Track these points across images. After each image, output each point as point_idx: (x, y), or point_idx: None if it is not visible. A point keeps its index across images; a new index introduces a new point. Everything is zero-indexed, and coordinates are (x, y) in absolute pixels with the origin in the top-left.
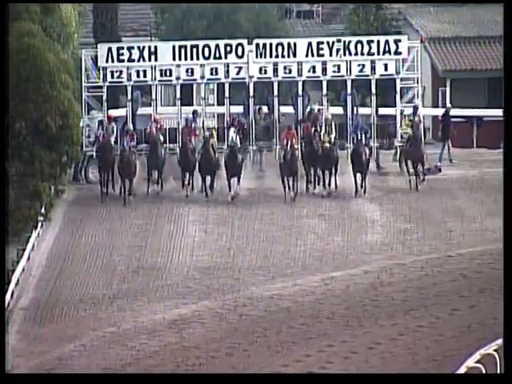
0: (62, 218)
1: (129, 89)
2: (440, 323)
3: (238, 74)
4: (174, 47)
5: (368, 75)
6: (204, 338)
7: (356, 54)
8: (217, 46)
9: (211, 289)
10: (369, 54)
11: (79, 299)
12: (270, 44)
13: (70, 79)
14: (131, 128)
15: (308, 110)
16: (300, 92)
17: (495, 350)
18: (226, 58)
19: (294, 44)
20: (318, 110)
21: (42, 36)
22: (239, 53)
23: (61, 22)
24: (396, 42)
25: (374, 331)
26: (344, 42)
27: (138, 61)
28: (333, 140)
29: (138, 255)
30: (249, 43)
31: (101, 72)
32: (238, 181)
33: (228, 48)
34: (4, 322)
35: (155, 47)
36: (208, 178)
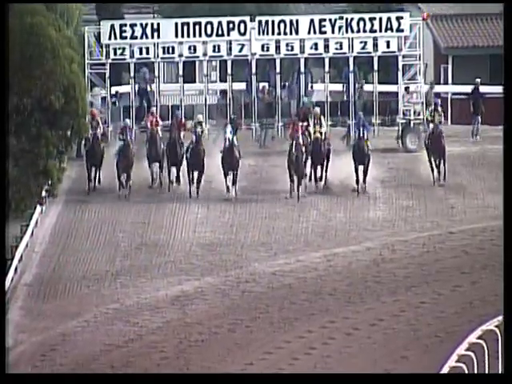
0: (65, 194)
1: (131, 66)
2: (442, 299)
3: (240, 51)
4: (176, 24)
5: (370, 52)
6: (206, 314)
7: (358, 31)
8: (219, 23)
9: (214, 265)
10: (371, 31)
11: (82, 276)
12: (273, 21)
13: (74, 53)
14: (128, 123)
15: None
16: (302, 69)
17: (497, 326)
18: (228, 35)
19: (297, 21)
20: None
21: (44, 13)
22: (242, 30)
23: None
24: (398, 19)
25: (376, 307)
26: (346, 19)
27: (141, 38)
28: (323, 134)
29: (140, 232)
30: (251, 20)
31: (103, 49)
32: (235, 181)
33: (230, 25)
34: (4, 322)
35: (158, 24)
36: (195, 174)
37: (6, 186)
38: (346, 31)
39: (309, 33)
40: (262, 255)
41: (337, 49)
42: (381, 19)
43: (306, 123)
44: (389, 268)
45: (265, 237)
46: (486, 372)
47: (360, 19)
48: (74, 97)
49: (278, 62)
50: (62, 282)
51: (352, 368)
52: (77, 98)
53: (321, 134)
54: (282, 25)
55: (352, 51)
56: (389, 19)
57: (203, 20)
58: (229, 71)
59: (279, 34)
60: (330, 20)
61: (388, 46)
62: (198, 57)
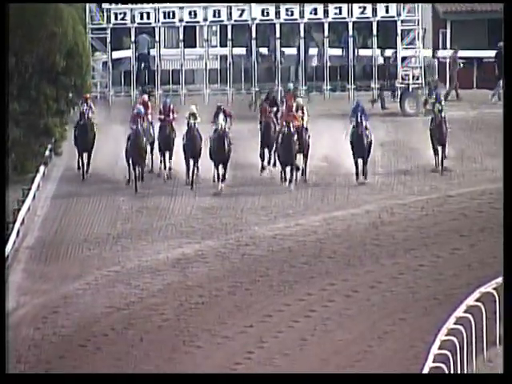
0: (67, 157)
1: (132, 31)
2: (440, 262)
3: (240, 16)
4: None
5: (369, 17)
6: (207, 276)
7: None
8: None
9: (214, 228)
10: None
11: (84, 239)
12: None
13: (76, 14)
14: (141, 110)
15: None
16: (302, 34)
17: (495, 289)
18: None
19: None
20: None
21: None
22: None
23: None
24: None
25: (375, 270)
26: None
27: (142, 3)
28: (305, 124)
29: (141, 195)
30: None
31: (104, 14)
32: (225, 171)
33: None
34: (4, 322)
35: None
36: (191, 163)
37: (5, 150)
38: None
39: None
40: (262, 219)
41: (336, 14)
42: None
43: (275, 108)
44: (388, 231)
45: (265, 201)
46: (484, 333)
47: None
48: (77, 55)
49: (277, 27)
50: (64, 244)
51: (351, 330)
52: (80, 55)
53: (302, 120)
54: None
55: (351, 16)
56: None
57: None
58: (229, 36)
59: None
60: None
61: (387, 11)
62: (198, 22)
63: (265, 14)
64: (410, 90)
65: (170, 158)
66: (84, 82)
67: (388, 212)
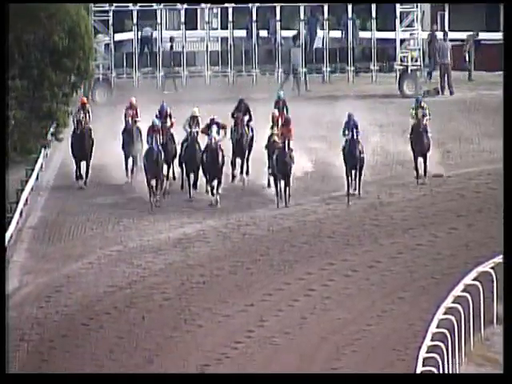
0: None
1: (134, 13)
2: (438, 242)
3: None
4: None
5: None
6: (208, 256)
7: None
8: None
9: (215, 209)
10: None
11: (86, 218)
12: None
13: None
14: (156, 123)
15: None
16: (302, 17)
17: (492, 268)
18: None
19: None
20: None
21: None
22: None
23: None
24: None
25: (374, 250)
26: None
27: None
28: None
29: (143, 175)
30: None
31: None
32: (218, 184)
33: None
34: (4, 322)
35: None
36: (192, 176)
37: (6, 132)
38: None
39: None
40: (262, 199)
41: None
42: None
43: (247, 117)
44: (386, 211)
45: (265, 181)
46: (481, 312)
47: None
48: (79, 37)
49: (278, 9)
50: (67, 224)
51: (350, 309)
52: (82, 37)
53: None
54: None
55: None
56: None
57: None
58: (230, 19)
59: None
60: None
61: None
62: (199, 4)
63: None
64: (409, 71)
65: (169, 167)
66: (87, 64)
67: (386, 192)
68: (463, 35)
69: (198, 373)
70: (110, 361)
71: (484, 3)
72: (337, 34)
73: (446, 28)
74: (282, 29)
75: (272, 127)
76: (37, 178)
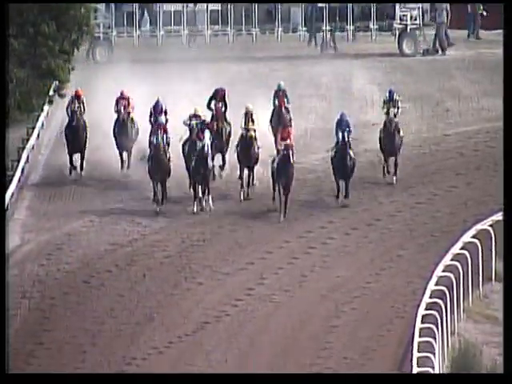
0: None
1: None
2: (437, 200)
3: None
4: None
5: None
6: (208, 214)
7: None
8: None
9: (216, 168)
10: None
11: (88, 177)
12: None
13: None
14: (162, 121)
15: None
16: None
17: (491, 226)
18: None
19: None
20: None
21: None
22: None
23: None
24: None
25: (373, 208)
26: None
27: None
28: (254, 134)
29: (146, 136)
30: None
31: None
32: (208, 191)
33: None
34: (4, 322)
35: None
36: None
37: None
38: None
39: None
40: (261, 158)
41: None
42: None
43: (223, 107)
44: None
45: (264, 140)
46: (480, 270)
47: None
48: None
49: None
50: (68, 182)
51: (350, 267)
52: None
53: (254, 131)
54: None
55: None
56: None
57: None
58: None
59: None
60: None
61: None
62: None
63: None
64: (408, 30)
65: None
66: (87, 20)
67: None
68: None
69: (198, 373)
70: (110, 318)
71: None
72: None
73: None
74: None
75: (246, 123)
76: (38, 136)
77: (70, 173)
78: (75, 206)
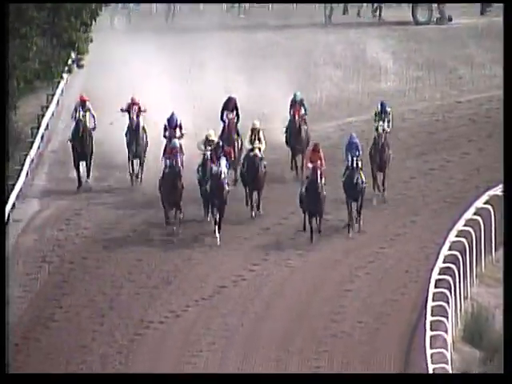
0: (89, 64)
1: None
2: (450, 166)
3: None
4: None
5: None
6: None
7: None
8: None
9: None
10: None
11: (108, 144)
12: None
13: None
14: (176, 144)
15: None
16: None
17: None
18: None
19: None
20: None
21: None
22: None
23: None
24: None
25: (388, 174)
26: None
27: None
28: (260, 154)
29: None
30: None
31: None
32: (221, 217)
33: None
34: (4, 322)
35: None
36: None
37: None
38: None
39: None
40: (278, 125)
41: None
42: None
43: (234, 116)
44: (399, 136)
45: (281, 107)
46: (492, 235)
47: None
48: None
49: None
50: None
51: (363, 232)
52: None
53: (259, 150)
54: None
55: None
56: None
57: None
58: None
59: None
60: None
61: None
62: None
63: None
64: None
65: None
66: None
67: (400, 118)
68: None
69: (198, 373)
70: (128, 282)
71: None
72: None
73: None
74: None
75: (252, 141)
76: (57, 103)
77: (79, 186)
78: (94, 171)
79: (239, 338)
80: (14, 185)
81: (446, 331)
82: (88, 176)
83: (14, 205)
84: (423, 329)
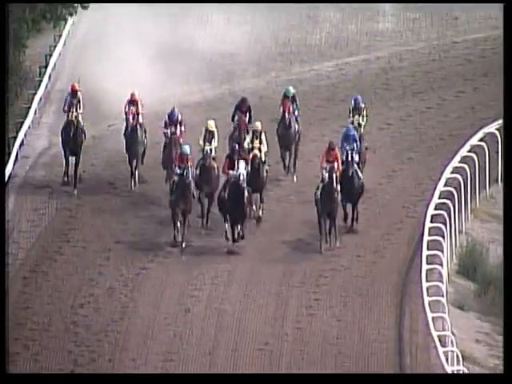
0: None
1: None
2: (446, 104)
3: None
4: None
5: None
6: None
7: None
8: None
9: (233, 74)
10: None
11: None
12: None
13: None
14: (187, 151)
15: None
16: None
17: (497, 129)
18: None
19: None
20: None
21: None
22: None
23: None
24: None
25: (385, 112)
26: None
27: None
28: (263, 156)
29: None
30: None
31: None
32: (242, 226)
33: None
34: (4, 321)
35: None
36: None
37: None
38: None
39: None
40: (278, 65)
41: None
42: None
43: (247, 118)
44: (397, 76)
45: (281, 48)
46: (487, 171)
47: None
48: None
49: None
50: (92, 89)
51: (361, 169)
52: None
53: (260, 151)
54: None
55: None
56: None
57: None
58: None
59: None
60: None
61: None
62: None
63: None
64: None
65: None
66: None
67: (397, 58)
68: None
69: (199, 373)
70: (134, 218)
71: None
72: None
73: None
74: None
75: (252, 142)
76: (64, 44)
77: (63, 183)
78: (99, 110)
79: (240, 273)
80: (22, 122)
81: (442, 265)
82: (75, 175)
83: (22, 142)
84: (419, 262)
